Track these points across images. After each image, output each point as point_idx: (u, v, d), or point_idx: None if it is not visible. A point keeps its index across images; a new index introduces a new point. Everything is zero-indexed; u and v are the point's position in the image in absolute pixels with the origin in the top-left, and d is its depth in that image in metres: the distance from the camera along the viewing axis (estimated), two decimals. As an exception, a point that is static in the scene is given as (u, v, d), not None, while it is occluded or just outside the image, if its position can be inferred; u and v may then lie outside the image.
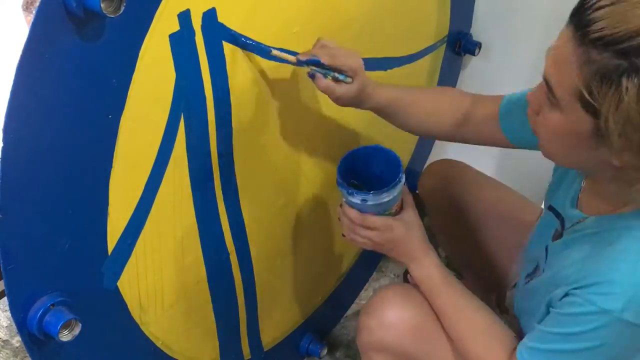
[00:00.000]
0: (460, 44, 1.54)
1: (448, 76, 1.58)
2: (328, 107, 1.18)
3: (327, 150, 1.22)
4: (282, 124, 1.07)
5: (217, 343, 1.16)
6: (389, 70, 1.31)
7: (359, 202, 0.99)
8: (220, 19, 0.87)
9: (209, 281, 1.06)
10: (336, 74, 0.98)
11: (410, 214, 1.03)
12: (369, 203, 0.99)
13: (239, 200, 1.05)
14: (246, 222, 1.08)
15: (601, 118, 0.71)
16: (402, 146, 1.57)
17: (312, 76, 0.99)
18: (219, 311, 1.12)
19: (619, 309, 0.76)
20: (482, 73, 1.63)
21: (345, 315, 1.61)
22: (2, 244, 0.71)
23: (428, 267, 1.01)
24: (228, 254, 1.08)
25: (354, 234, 1.03)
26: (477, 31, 1.57)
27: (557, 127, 0.78)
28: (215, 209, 1.01)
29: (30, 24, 0.64)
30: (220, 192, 1.00)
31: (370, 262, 1.66)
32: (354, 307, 1.64)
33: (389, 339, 1.01)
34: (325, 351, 1.44)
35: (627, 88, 0.68)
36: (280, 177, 1.12)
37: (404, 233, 1.01)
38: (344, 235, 1.07)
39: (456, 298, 1.00)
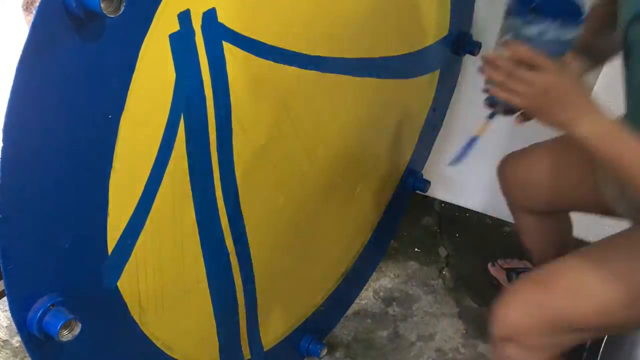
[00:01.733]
0: (460, 44, 1.54)
1: (448, 76, 1.59)
2: (328, 108, 1.18)
3: (327, 150, 1.23)
4: (282, 124, 1.07)
5: (217, 343, 1.16)
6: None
7: (535, 33, 0.86)
8: (220, 19, 0.87)
9: (209, 281, 1.06)
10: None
11: (579, 67, 0.94)
12: (548, 36, 0.85)
13: (239, 200, 1.05)
14: (246, 222, 1.08)
15: None
16: (402, 147, 1.57)
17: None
18: (219, 311, 1.12)
19: None
20: (482, 73, 1.63)
21: (345, 315, 1.61)
22: (2, 244, 0.71)
23: (607, 122, 0.87)
24: (228, 254, 1.08)
25: (512, 78, 0.88)
26: (477, 31, 1.57)
27: None
28: (215, 209, 1.01)
29: (30, 24, 0.64)
30: (220, 192, 1.00)
31: (370, 262, 1.66)
32: (354, 307, 1.64)
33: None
34: (325, 351, 1.44)
35: None
36: (280, 177, 1.12)
37: (577, 83, 0.88)
38: (487, 91, 0.92)
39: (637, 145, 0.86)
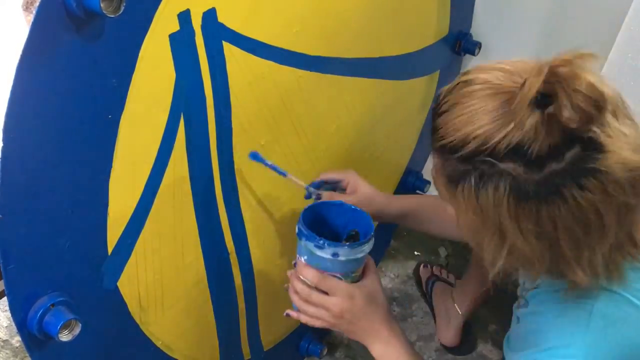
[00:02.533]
0: (460, 44, 1.54)
1: (448, 76, 1.58)
2: (328, 108, 1.18)
3: (327, 150, 1.22)
4: (282, 124, 1.07)
5: (217, 343, 1.16)
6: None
7: (328, 256, 0.88)
8: (220, 19, 0.87)
9: (209, 281, 1.06)
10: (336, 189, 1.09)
11: (373, 281, 0.92)
12: (341, 259, 0.88)
13: (238, 200, 1.05)
14: (246, 221, 1.08)
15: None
16: (402, 147, 1.57)
17: (318, 198, 1.07)
18: (219, 311, 1.12)
19: None
20: (482, 73, 1.63)
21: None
22: (2, 244, 0.71)
23: (395, 347, 0.91)
24: (228, 254, 1.08)
25: (307, 303, 0.91)
26: (477, 31, 1.57)
27: (454, 219, 0.78)
28: (215, 208, 1.01)
29: (30, 24, 0.64)
30: (220, 192, 1.00)
31: (370, 262, 1.66)
32: (354, 307, 1.64)
33: None
34: (325, 351, 1.44)
35: (463, 195, 0.70)
36: (280, 177, 1.12)
37: (367, 304, 0.90)
38: (287, 315, 0.95)
39: None
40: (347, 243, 0.90)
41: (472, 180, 0.67)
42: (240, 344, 1.23)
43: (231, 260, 1.10)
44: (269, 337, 1.31)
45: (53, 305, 0.77)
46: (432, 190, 1.73)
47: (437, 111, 0.72)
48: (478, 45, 1.54)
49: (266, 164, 1.03)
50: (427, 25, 1.41)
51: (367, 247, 0.91)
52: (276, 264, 1.23)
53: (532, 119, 0.63)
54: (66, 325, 0.77)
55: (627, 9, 1.21)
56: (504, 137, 0.64)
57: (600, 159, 0.63)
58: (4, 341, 1.52)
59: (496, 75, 0.68)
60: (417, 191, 1.69)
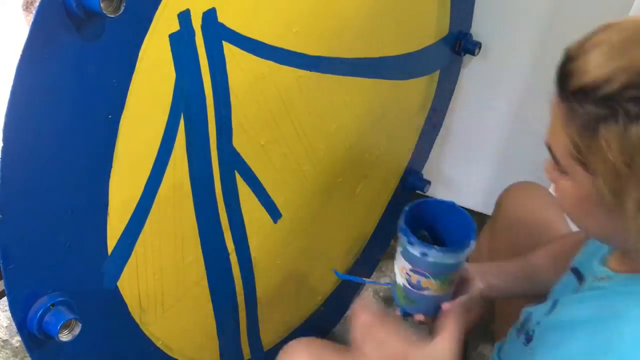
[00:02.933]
0: (460, 44, 1.54)
1: (448, 76, 1.59)
2: (328, 108, 1.18)
3: (328, 151, 1.22)
4: (282, 124, 1.07)
5: (217, 343, 1.16)
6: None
7: (417, 254, 0.89)
8: (220, 19, 0.87)
9: (209, 281, 1.06)
10: None
11: (445, 345, 0.84)
12: (429, 259, 0.88)
13: (238, 200, 1.05)
14: (246, 221, 1.08)
15: (595, 176, 0.66)
16: (402, 147, 1.57)
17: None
18: (219, 311, 1.12)
19: None
20: (482, 73, 1.63)
21: (345, 315, 1.61)
22: (2, 244, 0.71)
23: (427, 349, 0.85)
24: (228, 254, 1.08)
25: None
26: (477, 31, 1.57)
27: (570, 195, 0.72)
28: (215, 209, 1.01)
29: (30, 24, 0.64)
30: (220, 192, 1.00)
31: (370, 262, 1.66)
32: (354, 307, 1.64)
33: None
34: (325, 351, 1.44)
35: (607, 138, 0.63)
36: (280, 177, 1.12)
37: (386, 327, 0.87)
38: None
39: None
40: (435, 246, 0.89)
41: (621, 119, 0.61)
42: (240, 344, 1.23)
43: (231, 260, 1.10)
44: (269, 337, 1.31)
45: (53, 305, 0.77)
46: (432, 191, 1.73)
47: (571, 55, 0.67)
48: (478, 45, 1.54)
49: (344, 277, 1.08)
50: (427, 25, 1.41)
51: (453, 257, 0.90)
52: (276, 264, 1.23)
53: None
54: (66, 325, 0.77)
55: (628, 11, 1.21)
56: None
57: None
58: (4, 341, 1.52)
59: None
60: (418, 191, 1.69)
